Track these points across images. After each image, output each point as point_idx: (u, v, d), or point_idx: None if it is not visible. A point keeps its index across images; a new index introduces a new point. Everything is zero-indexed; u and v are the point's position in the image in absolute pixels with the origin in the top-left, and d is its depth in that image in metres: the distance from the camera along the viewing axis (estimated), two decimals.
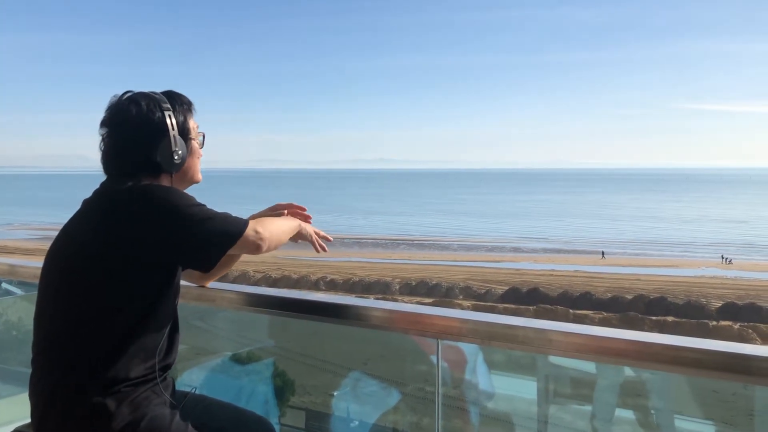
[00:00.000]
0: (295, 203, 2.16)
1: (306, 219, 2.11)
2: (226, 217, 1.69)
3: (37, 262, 2.70)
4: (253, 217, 2.04)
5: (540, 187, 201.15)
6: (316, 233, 2.10)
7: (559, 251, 55.69)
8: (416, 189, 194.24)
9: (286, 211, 2.12)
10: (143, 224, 1.60)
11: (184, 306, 1.84)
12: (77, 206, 1.75)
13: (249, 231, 1.71)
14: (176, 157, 1.76)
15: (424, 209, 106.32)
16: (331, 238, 2.15)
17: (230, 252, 1.70)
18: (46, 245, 1.82)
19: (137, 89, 1.81)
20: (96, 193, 1.74)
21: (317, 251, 2.09)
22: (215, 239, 1.66)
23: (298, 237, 2.03)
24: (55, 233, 1.74)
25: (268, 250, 1.79)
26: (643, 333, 1.60)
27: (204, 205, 1.68)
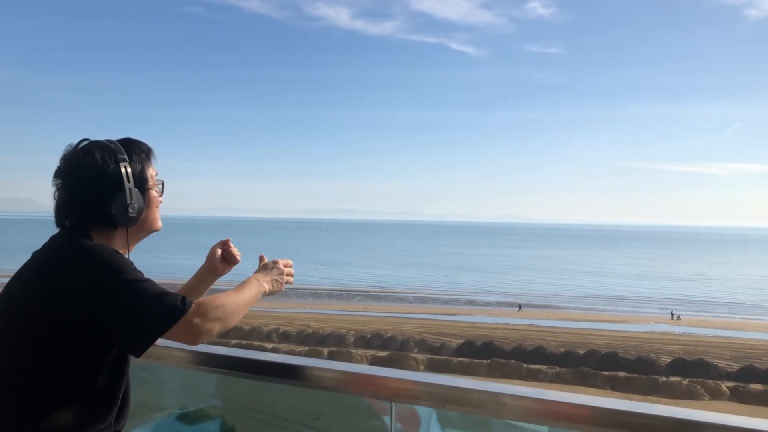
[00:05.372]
0: (281, 260, 1.99)
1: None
2: (166, 301, 1.52)
3: None
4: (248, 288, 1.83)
5: (493, 240, 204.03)
6: (288, 274, 1.98)
7: (511, 305, 56.04)
8: (373, 240, 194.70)
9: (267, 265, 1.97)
10: (78, 291, 1.50)
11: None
12: (10, 252, 1.67)
13: (186, 320, 1.53)
14: (131, 211, 1.68)
15: (380, 260, 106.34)
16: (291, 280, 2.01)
17: (166, 339, 1.54)
18: None
19: (96, 134, 1.74)
20: (44, 247, 1.67)
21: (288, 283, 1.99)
22: (145, 324, 1.51)
23: (270, 294, 1.90)
24: None
25: (216, 335, 1.65)
26: (594, 397, 1.61)
27: (148, 281, 1.55)
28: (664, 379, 29.68)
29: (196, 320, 1.55)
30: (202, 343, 1.61)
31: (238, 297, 1.72)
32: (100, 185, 1.66)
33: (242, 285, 1.81)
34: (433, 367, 32.28)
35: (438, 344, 37.03)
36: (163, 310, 1.51)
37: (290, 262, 2.03)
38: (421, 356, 34.08)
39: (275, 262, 1.98)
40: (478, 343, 36.18)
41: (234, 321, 1.68)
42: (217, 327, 1.61)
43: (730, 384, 29.22)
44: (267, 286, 1.88)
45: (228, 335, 36.85)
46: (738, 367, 31.71)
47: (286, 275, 1.98)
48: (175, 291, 1.68)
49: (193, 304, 1.57)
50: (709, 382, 29.19)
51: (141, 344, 1.52)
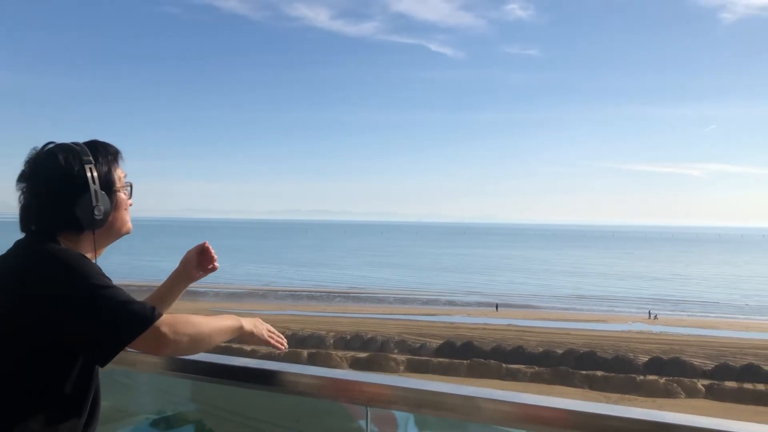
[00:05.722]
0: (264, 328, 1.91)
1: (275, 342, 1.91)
2: (133, 308, 1.47)
3: None
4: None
5: (472, 240, 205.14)
6: (270, 331, 1.90)
7: (490, 305, 56.33)
8: (352, 241, 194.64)
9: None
10: (43, 297, 1.46)
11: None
12: None
13: (154, 329, 1.48)
14: (97, 213, 1.64)
15: (359, 261, 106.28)
16: (285, 344, 1.95)
17: (131, 348, 1.49)
18: None
19: (66, 135, 1.68)
20: (8, 252, 1.63)
21: (278, 349, 1.93)
22: (111, 333, 1.46)
23: (247, 338, 1.83)
24: None
25: (184, 353, 1.60)
26: (569, 400, 1.62)
27: (114, 288, 1.50)
28: (642, 377, 30.04)
29: (164, 330, 1.50)
30: (169, 355, 1.57)
31: (212, 321, 1.68)
32: (65, 188, 1.62)
33: (219, 315, 1.77)
34: (413, 367, 32.34)
35: (418, 345, 37.12)
36: (130, 319, 1.47)
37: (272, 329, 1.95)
38: (401, 357, 34.12)
39: (254, 317, 1.93)
40: (458, 343, 36.32)
41: (204, 343, 1.62)
42: (185, 341, 1.56)
43: (706, 382, 29.67)
44: (246, 324, 1.81)
45: None
46: (713, 365, 32.18)
47: (269, 331, 1.90)
48: (146, 297, 1.65)
49: (164, 315, 1.52)
50: (686, 380, 29.61)
51: (106, 353, 1.48)
